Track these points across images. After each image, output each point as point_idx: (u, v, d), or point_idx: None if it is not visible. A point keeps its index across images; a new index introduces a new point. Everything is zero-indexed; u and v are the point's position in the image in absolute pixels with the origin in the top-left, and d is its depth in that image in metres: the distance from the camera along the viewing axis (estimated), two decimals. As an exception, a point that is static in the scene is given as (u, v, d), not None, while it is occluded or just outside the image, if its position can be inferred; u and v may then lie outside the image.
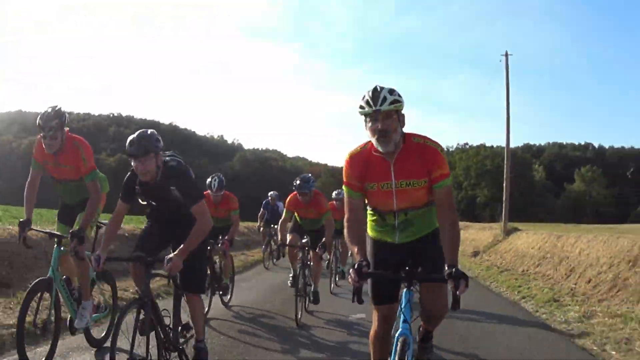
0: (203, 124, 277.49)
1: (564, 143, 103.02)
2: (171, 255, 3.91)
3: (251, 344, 5.65)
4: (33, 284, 4.47)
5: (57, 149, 4.67)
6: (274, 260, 13.67)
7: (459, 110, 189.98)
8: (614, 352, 5.37)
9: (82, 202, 5.00)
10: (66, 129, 4.74)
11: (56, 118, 4.58)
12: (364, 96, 3.15)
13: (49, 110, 4.62)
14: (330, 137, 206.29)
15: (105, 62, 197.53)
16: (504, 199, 24.40)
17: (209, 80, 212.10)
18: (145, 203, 4.36)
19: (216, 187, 7.35)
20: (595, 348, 5.60)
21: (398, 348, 3.03)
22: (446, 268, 2.98)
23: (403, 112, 3.21)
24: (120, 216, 4.37)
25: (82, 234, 4.61)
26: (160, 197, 4.24)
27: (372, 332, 3.62)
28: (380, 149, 3.18)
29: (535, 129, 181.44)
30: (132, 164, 4.03)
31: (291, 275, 7.66)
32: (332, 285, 9.62)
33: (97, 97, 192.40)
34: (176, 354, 4.22)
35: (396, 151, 3.23)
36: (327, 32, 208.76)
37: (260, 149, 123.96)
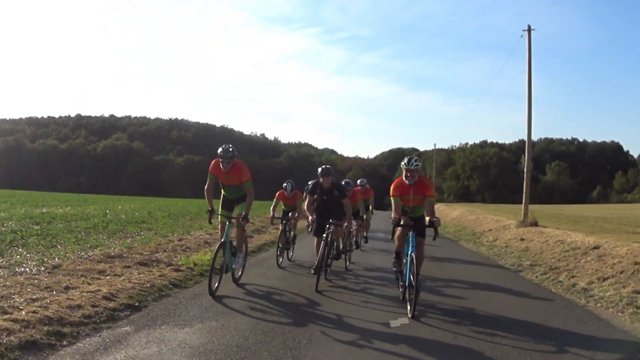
0: (245, 122, 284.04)
1: (554, 138, 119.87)
2: (345, 220, 8.57)
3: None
4: (218, 245, 7.29)
5: (228, 169, 7.45)
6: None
7: (474, 95, 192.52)
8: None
9: (238, 198, 7.84)
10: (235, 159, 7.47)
11: (232, 153, 7.36)
12: (404, 160, 6.95)
13: (228, 147, 7.43)
14: (351, 123, 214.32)
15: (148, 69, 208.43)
16: (524, 191, 19.77)
17: (232, 76, 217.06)
18: (317, 196, 8.79)
19: (289, 189, 11.33)
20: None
21: (410, 260, 6.58)
22: (428, 220, 6.68)
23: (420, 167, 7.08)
24: (311, 202, 8.77)
25: (248, 218, 7.61)
26: (329, 195, 8.64)
27: (397, 234, 7.30)
28: (407, 182, 6.84)
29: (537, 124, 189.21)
30: (322, 179, 8.59)
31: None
32: (347, 262, 10.52)
33: (152, 102, 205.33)
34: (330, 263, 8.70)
35: (414, 183, 6.89)
36: (343, 17, 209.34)
37: (295, 143, 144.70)
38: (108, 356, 4.56)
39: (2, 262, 7.84)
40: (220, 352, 4.80)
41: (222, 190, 7.96)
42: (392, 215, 6.88)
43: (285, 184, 11.43)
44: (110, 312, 5.86)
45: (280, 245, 10.51)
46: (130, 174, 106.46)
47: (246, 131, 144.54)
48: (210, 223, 8.01)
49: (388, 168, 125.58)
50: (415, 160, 6.86)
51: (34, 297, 5.93)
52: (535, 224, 16.65)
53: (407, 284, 6.59)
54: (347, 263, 10.41)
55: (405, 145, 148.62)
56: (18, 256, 8.45)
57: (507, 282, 9.31)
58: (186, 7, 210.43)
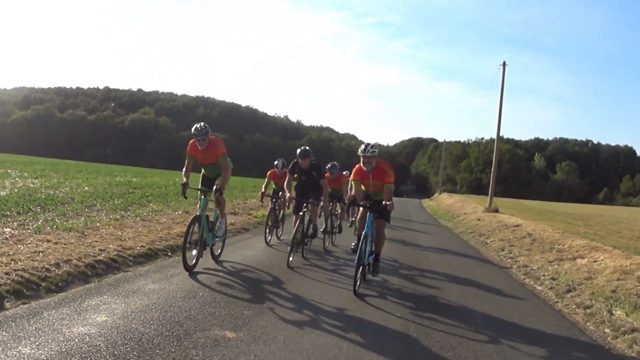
0: (268, 104, 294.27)
1: (568, 138, 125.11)
2: (322, 199, 8.98)
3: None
4: (192, 218, 7.20)
5: (205, 147, 7.55)
6: None
7: (496, 89, 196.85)
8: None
9: (216, 176, 7.99)
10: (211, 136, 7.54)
11: (205, 129, 7.41)
12: (361, 146, 7.14)
13: (202, 126, 7.42)
14: (374, 110, 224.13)
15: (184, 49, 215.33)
16: (490, 185, 25.72)
17: (259, 58, 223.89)
18: (297, 176, 9.10)
19: (280, 166, 10.95)
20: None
21: (362, 237, 6.87)
22: (384, 203, 6.85)
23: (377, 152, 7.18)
24: (291, 181, 9.09)
25: (223, 190, 7.62)
26: (308, 175, 9.04)
27: (358, 216, 7.82)
28: (365, 169, 7.20)
29: (545, 124, 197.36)
30: (300, 160, 8.77)
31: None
32: (328, 243, 10.69)
33: (183, 79, 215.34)
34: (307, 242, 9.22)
35: (372, 169, 7.24)
36: (372, 3, 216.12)
37: (317, 126, 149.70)
38: (246, 241, 10.54)
39: (151, 209, 13.20)
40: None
41: (202, 170, 8.18)
42: (349, 194, 7.79)
43: (276, 162, 11.14)
44: (236, 230, 11.94)
45: (269, 223, 10.71)
46: (155, 148, 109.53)
47: (270, 112, 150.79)
48: (185, 197, 7.80)
49: (406, 157, 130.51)
50: (372, 147, 7.20)
51: (192, 222, 11.76)
52: (496, 210, 22.31)
53: (356, 262, 6.83)
54: (327, 244, 10.63)
55: (425, 135, 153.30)
56: (154, 207, 13.73)
57: (448, 238, 15.08)
58: (186, 7, 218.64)
